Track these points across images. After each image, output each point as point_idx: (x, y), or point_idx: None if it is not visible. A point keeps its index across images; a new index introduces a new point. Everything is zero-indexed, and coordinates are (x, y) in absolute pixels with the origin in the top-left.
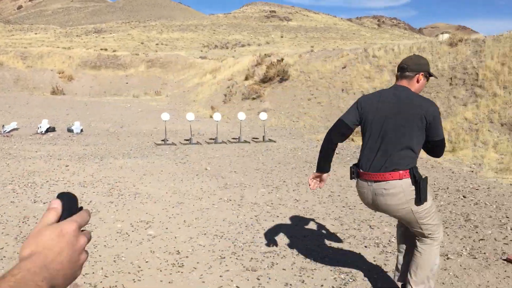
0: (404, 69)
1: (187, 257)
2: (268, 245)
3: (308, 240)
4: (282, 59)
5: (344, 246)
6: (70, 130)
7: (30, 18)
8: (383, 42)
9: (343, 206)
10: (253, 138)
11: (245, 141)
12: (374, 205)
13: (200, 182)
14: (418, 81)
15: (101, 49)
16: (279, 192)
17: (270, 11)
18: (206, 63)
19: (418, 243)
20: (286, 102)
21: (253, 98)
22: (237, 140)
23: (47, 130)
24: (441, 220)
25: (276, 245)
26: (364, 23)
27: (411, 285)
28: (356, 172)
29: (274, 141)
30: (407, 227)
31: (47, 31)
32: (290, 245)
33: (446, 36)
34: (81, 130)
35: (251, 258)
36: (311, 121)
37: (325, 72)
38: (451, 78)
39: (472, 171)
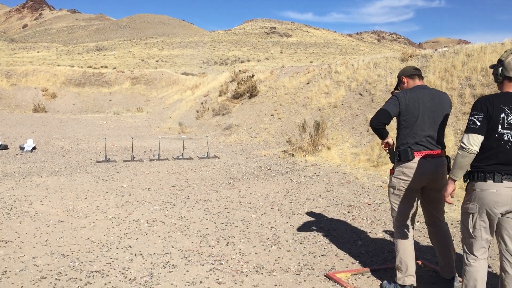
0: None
1: (13, 275)
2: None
3: (149, 258)
4: (253, 75)
5: (181, 263)
6: (21, 148)
7: (35, 37)
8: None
9: (222, 223)
10: (202, 154)
11: (190, 158)
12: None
13: (102, 200)
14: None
15: (88, 67)
16: (172, 209)
17: (270, 28)
18: (189, 79)
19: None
20: (251, 118)
21: (223, 114)
22: (180, 157)
23: None
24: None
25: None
26: (364, 38)
27: None
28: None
29: (218, 158)
30: None
31: (49, 49)
32: (119, 265)
33: (444, 49)
34: (33, 148)
35: (71, 278)
36: (267, 136)
37: (290, 88)
38: None
39: (381, 186)
